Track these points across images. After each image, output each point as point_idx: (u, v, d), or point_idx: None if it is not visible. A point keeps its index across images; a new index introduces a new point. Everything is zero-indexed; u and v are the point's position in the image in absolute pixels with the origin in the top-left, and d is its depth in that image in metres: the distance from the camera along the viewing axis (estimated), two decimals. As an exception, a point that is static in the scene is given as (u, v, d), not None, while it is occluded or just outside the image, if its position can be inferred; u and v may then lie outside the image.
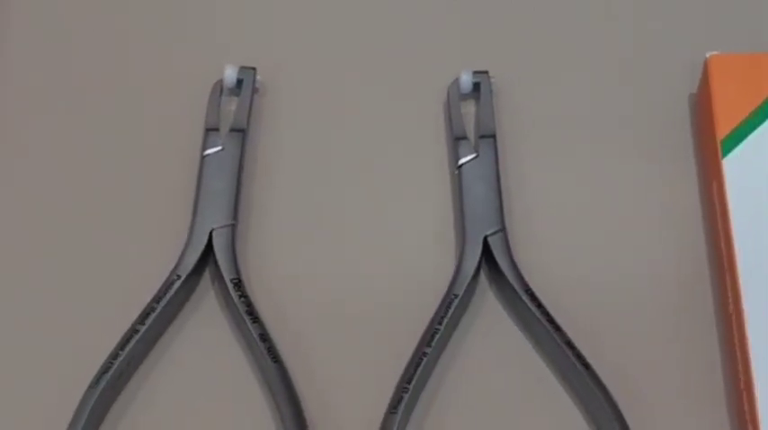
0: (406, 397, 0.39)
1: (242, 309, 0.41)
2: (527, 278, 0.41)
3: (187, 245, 0.42)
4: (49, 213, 0.44)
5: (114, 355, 0.39)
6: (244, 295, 0.41)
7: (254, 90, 0.45)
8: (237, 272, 0.41)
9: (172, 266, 0.41)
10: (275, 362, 0.39)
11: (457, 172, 0.43)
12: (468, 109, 0.45)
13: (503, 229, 0.42)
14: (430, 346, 0.39)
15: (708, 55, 0.44)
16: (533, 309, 0.41)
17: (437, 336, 0.40)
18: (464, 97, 0.45)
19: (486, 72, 0.45)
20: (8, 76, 0.47)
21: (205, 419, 0.40)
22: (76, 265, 0.43)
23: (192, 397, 0.41)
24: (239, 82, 0.45)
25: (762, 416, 0.38)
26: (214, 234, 0.42)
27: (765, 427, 0.38)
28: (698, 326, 0.42)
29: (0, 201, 0.45)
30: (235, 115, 0.44)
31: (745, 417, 0.39)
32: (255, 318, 0.40)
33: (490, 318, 0.42)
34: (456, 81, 0.45)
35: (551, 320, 0.40)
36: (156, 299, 0.40)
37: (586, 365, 0.39)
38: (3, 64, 0.47)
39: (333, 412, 0.40)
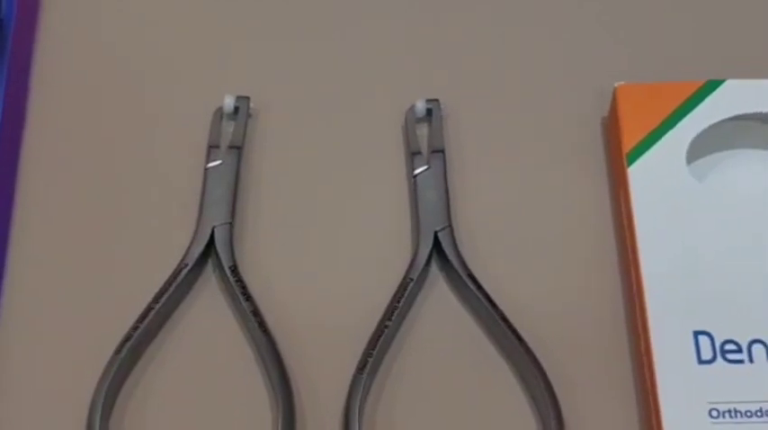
0: (371, 361, 0.40)
1: (238, 290, 0.42)
2: (469, 265, 0.42)
3: (193, 239, 0.43)
4: (85, 212, 0.44)
5: (134, 328, 0.40)
6: (239, 279, 0.42)
7: (248, 115, 0.46)
8: (234, 260, 0.42)
9: (181, 256, 0.42)
10: (264, 333, 0.41)
11: (413, 180, 0.44)
12: (422, 130, 0.46)
13: (449, 226, 0.43)
14: (390, 320, 0.41)
15: (616, 84, 0.45)
16: (474, 290, 0.42)
17: (396, 312, 0.41)
18: (419, 120, 0.46)
19: (437, 100, 0.46)
20: (46, 97, 0.47)
21: (208, 380, 0.41)
22: (106, 254, 0.43)
23: (197, 362, 0.41)
24: (236, 108, 0.46)
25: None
26: (215, 230, 0.43)
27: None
28: (607, 306, 0.42)
29: (47, 196, 0.45)
30: (232, 135, 0.45)
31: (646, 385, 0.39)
32: (248, 297, 0.41)
33: (439, 298, 0.43)
34: (412, 107, 0.46)
35: (489, 299, 0.41)
36: (169, 282, 0.41)
37: (518, 337, 0.40)
38: (39, 87, 0.47)
39: (312, 373, 0.41)
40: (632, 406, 0.40)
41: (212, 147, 0.45)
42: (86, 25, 0.49)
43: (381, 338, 0.40)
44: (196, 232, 0.43)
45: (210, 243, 0.43)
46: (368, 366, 0.40)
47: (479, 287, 0.42)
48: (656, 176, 0.43)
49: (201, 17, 0.49)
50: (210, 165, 0.45)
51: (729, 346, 0.38)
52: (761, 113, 0.44)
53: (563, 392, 0.39)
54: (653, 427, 0.38)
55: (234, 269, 0.42)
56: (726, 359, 0.38)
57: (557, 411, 0.39)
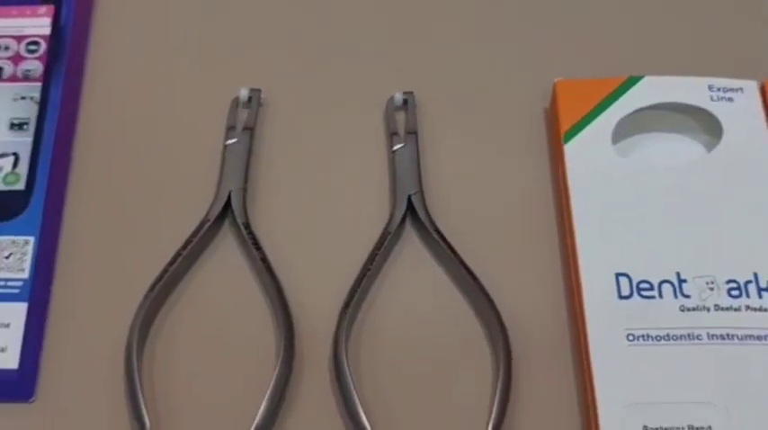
0: (356, 296, 0.41)
1: (249, 241, 0.43)
2: (435, 222, 0.44)
3: (214, 201, 0.44)
4: (129, 178, 0.46)
5: (164, 271, 0.42)
6: (251, 233, 0.43)
7: (259, 104, 0.47)
8: (246, 218, 0.44)
9: (204, 214, 0.44)
10: (271, 275, 0.42)
11: (392, 155, 0.46)
12: (400, 116, 0.47)
13: (420, 191, 0.45)
14: (372, 265, 0.42)
15: (555, 80, 0.46)
16: (439, 241, 0.43)
17: (376, 258, 0.43)
18: (397, 108, 0.47)
19: (412, 92, 0.47)
20: (98, 88, 0.48)
21: (225, 313, 0.42)
22: (145, 211, 0.45)
23: (216, 298, 0.43)
24: (250, 98, 0.47)
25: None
26: (231, 194, 0.44)
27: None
28: (547, 254, 0.43)
29: (99, 166, 0.46)
30: (246, 119, 0.47)
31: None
32: (258, 247, 0.43)
33: (411, 248, 0.44)
34: (392, 97, 0.47)
35: (451, 248, 0.43)
36: (194, 234, 0.43)
37: (474, 277, 0.42)
38: (92, 80, 0.48)
39: (308, 306, 0.42)
40: (566, 331, 0.42)
41: (230, 129, 0.46)
42: (130, 32, 0.50)
43: (364, 279, 0.42)
44: (216, 195, 0.44)
45: (228, 204, 0.44)
46: (353, 301, 0.41)
47: (443, 239, 0.43)
48: (587, 153, 0.44)
49: (223, 25, 0.50)
50: (228, 142, 0.46)
51: (644, 285, 0.40)
52: (671, 103, 0.45)
53: (510, 321, 0.41)
54: (582, 348, 0.40)
55: (246, 225, 0.44)
56: (641, 295, 0.40)
57: (504, 335, 0.40)
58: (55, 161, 0.45)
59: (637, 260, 0.41)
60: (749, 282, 0.40)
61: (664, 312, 0.40)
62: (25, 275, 0.42)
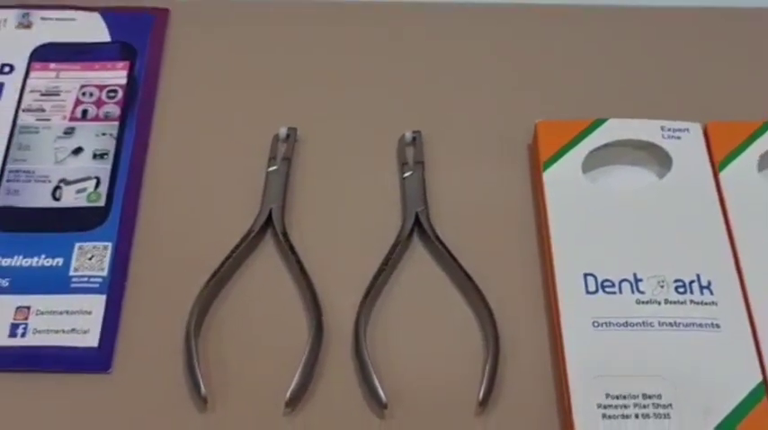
0: (372, 293, 0.43)
1: (286, 248, 0.44)
2: (438, 233, 0.45)
3: (258, 215, 0.45)
4: (193, 194, 0.47)
5: (217, 270, 0.43)
6: (288, 241, 0.45)
7: (296, 139, 0.48)
8: (284, 228, 0.45)
9: (250, 225, 0.45)
10: (303, 274, 0.43)
11: (402, 180, 0.47)
12: (410, 149, 0.48)
13: (426, 209, 0.45)
14: (385, 267, 0.44)
15: (537, 121, 0.47)
16: (441, 248, 0.44)
17: (389, 261, 0.44)
18: (407, 143, 0.48)
19: (419, 131, 0.48)
20: (167, 123, 0.49)
21: (266, 304, 0.43)
22: (205, 221, 0.46)
23: (258, 292, 0.44)
24: (288, 134, 0.48)
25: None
26: (272, 210, 0.45)
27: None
28: (530, 260, 0.44)
29: (169, 187, 0.47)
30: (285, 151, 0.48)
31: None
32: (294, 252, 0.44)
33: (417, 254, 0.45)
34: (403, 135, 0.48)
35: (451, 254, 0.44)
36: (241, 241, 0.44)
37: (469, 277, 0.43)
38: (161, 118, 0.49)
39: (333, 301, 0.43)
40: (543, 320, 0.43)
41: (271, 158, 0.47)
42: (190, 81, 0.51)
43: (379, 278, 0.43)
44: (260, 210, 0.46)
45: (269, 218, 0.45)
46: (370, 295, 0.43)
47: (444, 246, 0.44)
48: (562, 179, 0.45)
49: (266, 76, 0.51)
50: (270, 169, 0.47)
51: (607, 283, 0.42)
52: (630, 140, 0.47)
53: (498, 312, 0.42)
54: (556, 333, 0.41)
55: (284, 234, 0.45)
56: (604, 291, 0.42)
57: (493, 323, 0.42)
58: (128, 183, 0.47)
59: (601, 263, 0.42)
60: (693, 281, 0.42)
61: (623, 305, 0.41)
62: (104, 273, 0.44)
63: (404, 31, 0.53)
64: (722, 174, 0.45)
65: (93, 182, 0.47)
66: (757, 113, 0.47)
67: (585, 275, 0.42)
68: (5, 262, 0.44)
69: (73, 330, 0.42)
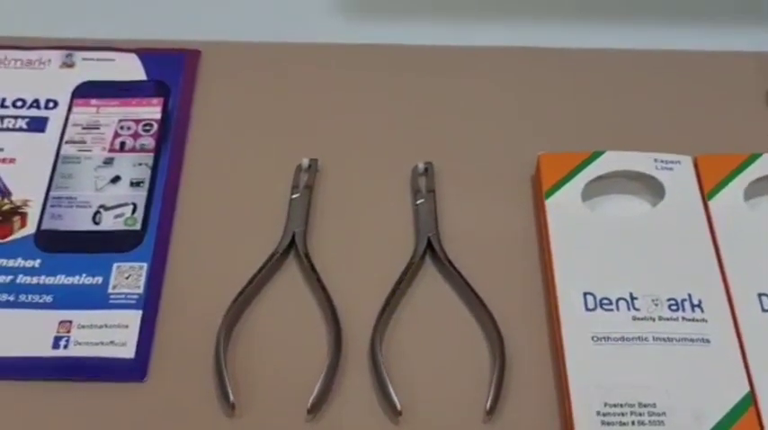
0: (387, 310, 0.44)
1: (308, 268, 0.45)
2: (449, 256, 0.45)
3: (282, 237, 0.46)
4: (224, 219, 0.47)
5: (245, 288, 0.44)
6: (309, 261, 0.46)
7: (317, 169, 0.49)
8: (307, 250, 0.46)
9: (275, 247, 0.46)
10: (324, 292, 0.44)
11: (415, 207, 0.48)
12: (422, 179, 0.49)
13: (437, 233, 0.46)
14: (399, 286, 0.44)
15: (539, 153, 0.48)
16: (451, 270, 0.45)
17: (403, 282, 0.45)
18: (419, 174, 0.49)
19: (431, 162, 0.49)
20: (198, 154, 0.50)
21: (289, 318, 0.44)
22: (234, 244, 0.46)
23: (282, 309, 0.45)
24: (310, 165, 0.49)
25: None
26: (296, 233, 0.46)
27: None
28: (534, 282, 0.45)
29: (202, 212, 0.47)
30: (307, 180, 0.49)
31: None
32: (315, 272, 0.45)
33: (429, 275, 0.46)
34: (416, 166, 0.49)
35: (460, 275, 0.45)
36: (267, 262, 0.45)
37: (478, 297, 0.44)
38: (193, 149, 0.50)
39: (352, 317, 0.44)
40: (546, 335, 0.44)
41: (294, 187, 0.48)
42: (219, 115, 0.52)
43: (394, 296, 0.44)
44: (284, 234, 0.47)
45: (293, 240, 0.46)
46: (385, 311, 0.43)
47: (454, 267, 0.45)
48: (563, 207, 0.46)
49: (290, 112, 0.52)
50: (293, 196, 0.48)
51: (605, 301, 0.43)
52: (626, 171, 0.48)
53: (504, 327, 0.43)
54: (558, 347, 0.42)
55: (306, 255, 0.46)
56: (603, 308, 0.43)
57: (500, 338, 0.42)
58: (162, 209, 0.48)
59: (600, 283, 0.43)
60: (684, 299, 0.43)
61: (620, 321, 0.42)
62: (140, 291, 0.45)
63: (416, 72, 0.54)
64: (711, 203, 0.46)
65: (130, 208, 0.48)
66: (743, 147, 0.49)
67: (585, 294, 0.43)
68: (50, 280, 0.45)
69: (111, 343, 0.43)
